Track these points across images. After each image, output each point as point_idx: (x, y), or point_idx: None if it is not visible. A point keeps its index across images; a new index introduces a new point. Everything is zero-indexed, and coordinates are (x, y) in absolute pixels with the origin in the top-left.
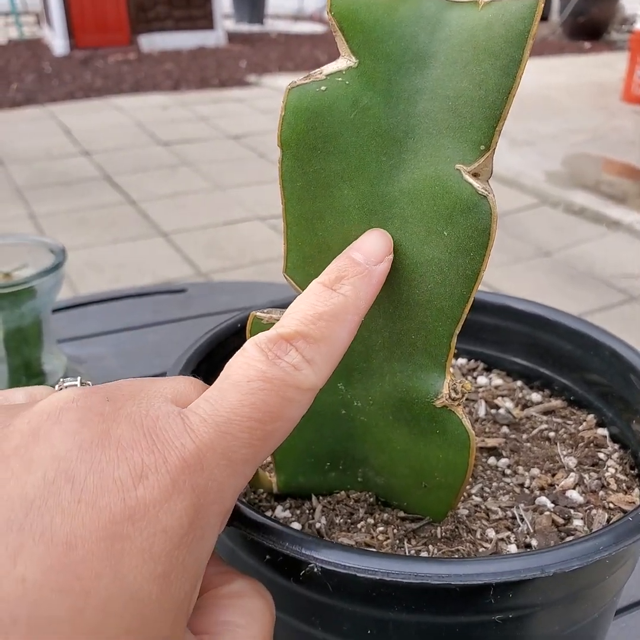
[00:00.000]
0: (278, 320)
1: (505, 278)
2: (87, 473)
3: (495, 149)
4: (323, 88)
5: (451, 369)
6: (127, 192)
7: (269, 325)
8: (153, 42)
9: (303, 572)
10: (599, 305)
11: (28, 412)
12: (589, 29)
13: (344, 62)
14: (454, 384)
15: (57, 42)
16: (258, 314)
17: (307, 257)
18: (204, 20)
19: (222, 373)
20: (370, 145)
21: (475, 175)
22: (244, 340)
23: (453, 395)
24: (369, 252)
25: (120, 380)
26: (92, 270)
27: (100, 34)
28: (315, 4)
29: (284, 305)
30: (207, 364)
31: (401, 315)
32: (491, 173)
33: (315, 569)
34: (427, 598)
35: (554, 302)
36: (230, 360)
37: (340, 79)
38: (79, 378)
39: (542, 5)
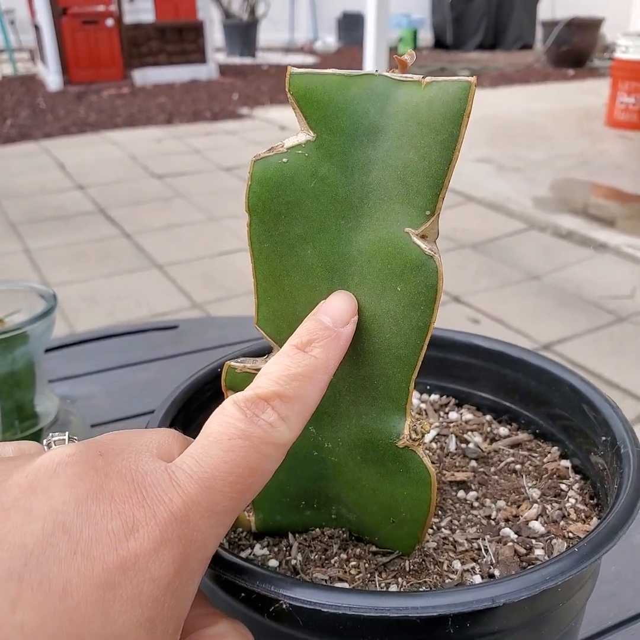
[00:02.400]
0: (250, 368)
1: (495, 302)
2: (83, 525)
3: (439, 213)
4: (285, 160)
5: (411, 411)
6: (121, 225)
7: (242, 373)
8: (146, 76)
9: (272, 608)
10: (588, 327)
11: (26, 466)
12: (572, 57)
13: (303, 136)
14: (414, 425)
15: (51, 77)
16: (232, 363)
17: (276, 311)
18: (196, 54)
19: (202, 430)
20: (329, 211)
21: (423, 237)
22: (219, 387)
23: (413, 435)
24: (336, 315)
25: (108, 434)
26: (87, 304)
27: (94, 69)
28: (305, 36)
29: (255, 354)
30: (185, 412)
31: (364, 362)
32: (438, 234)
33: (284, 606)
34: (389, 630)
35: (544, 325)
36: (211, 417)
37: (300, 151)
38: (66, 433)
39: (475, 88)
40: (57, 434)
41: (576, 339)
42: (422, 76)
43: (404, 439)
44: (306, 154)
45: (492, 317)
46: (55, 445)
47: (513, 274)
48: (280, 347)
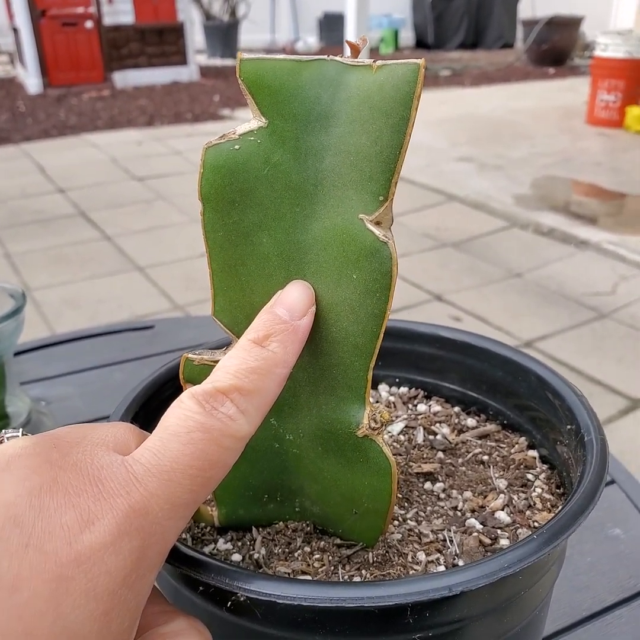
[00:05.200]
0: (208, 360)
1: (478, 301)
2: (36, 519)
3: (393, 199)
4: (237, 147)
5: (371, 400)
6: (102, 228)
7: (199, 365)
8: (127, 78)
9: (230, 601)
10: (570, 324)
11: None
12: (553, 55)
13: (255, 122)
14: (374, 414)
15: (31, 80)
16: (189, 355)
17: (233, 301)
18: (177, 56)
19: (160, 423)
20: (284, 198)
21: (377, 223)
22: (179, 384)
23: (373, 425)
24: (293, 307)
25: (64, 427)
26: (69, 307)
27: (74, 72)
28: (287, 37)
29: (214, 347)
30: (146, 409)
31: (322, 351)
32: (392, 221)
33: (241, 598)
34: (347, 621)
35: (526, 322)
36: (168, 411)
37: (252, 138)
38: (20, 429)
39: (424, 70)
40: (10, 430)
41: (558, 335)
42: (373, 60)
43: (363, 428)
44: (258, 141)
45: (474, 315)
46: (8, 441)
47: (495, 272)
48: (238, 339)
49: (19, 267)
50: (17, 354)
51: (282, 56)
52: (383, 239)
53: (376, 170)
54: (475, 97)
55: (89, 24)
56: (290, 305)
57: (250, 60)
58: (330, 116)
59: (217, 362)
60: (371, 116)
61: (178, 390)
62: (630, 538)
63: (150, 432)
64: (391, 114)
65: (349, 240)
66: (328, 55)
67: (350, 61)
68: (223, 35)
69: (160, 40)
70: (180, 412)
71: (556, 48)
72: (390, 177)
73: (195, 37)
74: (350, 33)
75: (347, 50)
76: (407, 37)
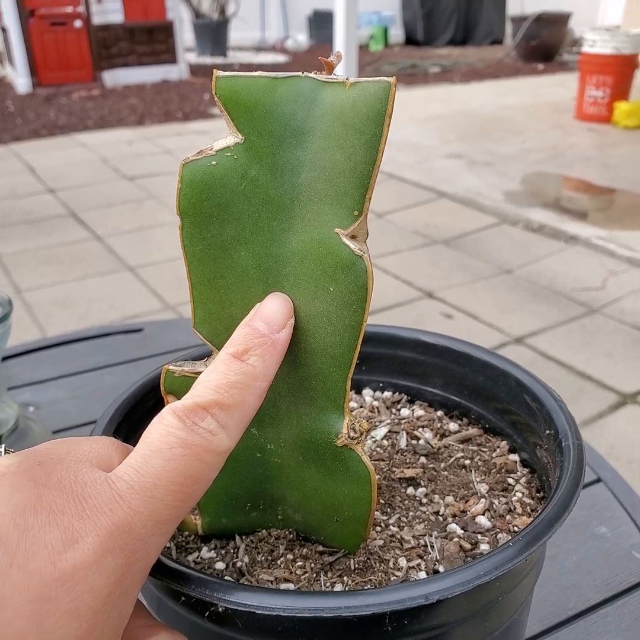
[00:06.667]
0: (189, 372)
1: (468, 297)
2: (19, 538)
3: (367, 214)
4: (214, 163)
5: (355, 405)
6: (93, 228)
7: (180, 377)
8: (116, 77)
9: (210, 612)
10: (560, 320)
11: None
12: (542, 51)
13: (231, 138)
14: (353, 423)
15: (20, 80)
16: (170, 367)
17: (212, 313)
18: (167, 54)
19: (141, 439)
20: (261, 212)
21: (353, 237)
22: (161, 395)
23: (352, 434)
24: (271, 320)
25: (47, 443)
26: (59, 308)
27: (63, 71)
28: (277, 35)
29: (194, 358)
30: (129, 420)
31: (301, 362)
32: (367, 234)
33: (221, 609)
34: (326, 630)
35: (516, 318)
36: (149, 427)
37: (229, 154)
38: (3, 445)
39: (395, 88)
40: None
41: (548, 331)
42: (346, 77)
43: (343, 438)
44: (235, 157)
45: (465, 312)
46: None
47: (485, 268)
48: (219, 350)
49: (9, 268)
50: (5, 358)
51: (257, 73)
52: (358, 253)
53: (351, 186)
54: (465, 93)
55: (78, 23)
56: (268, 318)
57: (225, 77)
58: (305, 132)
59: (197, 373)
60: (345, 133)
61: (161, 400)
62: (616, 536)
63: (134, 443)
64: (364, 130)
65: (325, 253)
66: (302, 72)
67: (324, 78)
68: (213, 33)
69: (149, 39)
70: (162, 428)
71: (545, 44)
72: (364, 192)
73: (185, 35)
74: (340, 30)
75: (333, 57)
76: (397, 34)
